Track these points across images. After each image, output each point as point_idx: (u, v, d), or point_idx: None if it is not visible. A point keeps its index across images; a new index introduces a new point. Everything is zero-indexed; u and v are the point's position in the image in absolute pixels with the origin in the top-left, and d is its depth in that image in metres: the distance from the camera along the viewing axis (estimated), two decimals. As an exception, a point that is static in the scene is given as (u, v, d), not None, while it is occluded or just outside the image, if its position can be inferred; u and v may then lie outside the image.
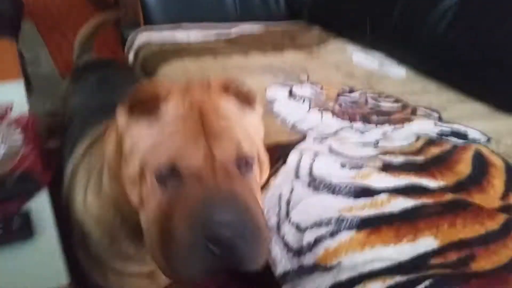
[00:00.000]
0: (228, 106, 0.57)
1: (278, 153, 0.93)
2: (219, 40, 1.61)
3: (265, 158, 0.59)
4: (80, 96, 0.97)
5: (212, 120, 0.53)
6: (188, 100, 0.55)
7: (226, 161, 0.52)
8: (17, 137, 0.80)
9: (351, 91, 1.27)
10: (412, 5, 1.51)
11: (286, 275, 0.78)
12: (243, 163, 0.54)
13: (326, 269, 0.72)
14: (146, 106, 0.54)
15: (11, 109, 0.94)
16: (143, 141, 0.54)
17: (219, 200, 0.49)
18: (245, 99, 0.59)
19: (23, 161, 0.77)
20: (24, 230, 0.62)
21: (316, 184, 0.84)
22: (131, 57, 1.56)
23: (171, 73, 1.33)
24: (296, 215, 0.80)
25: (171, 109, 0.54)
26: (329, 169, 0.87)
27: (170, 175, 0.51)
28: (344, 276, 0.69)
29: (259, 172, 0.57)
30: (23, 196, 0.69)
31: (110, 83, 0.95)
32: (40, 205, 0.69)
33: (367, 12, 1.62)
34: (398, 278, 0.66)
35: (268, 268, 0.79)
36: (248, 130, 0.56)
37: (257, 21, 1.79)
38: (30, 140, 0.81)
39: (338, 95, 1.24)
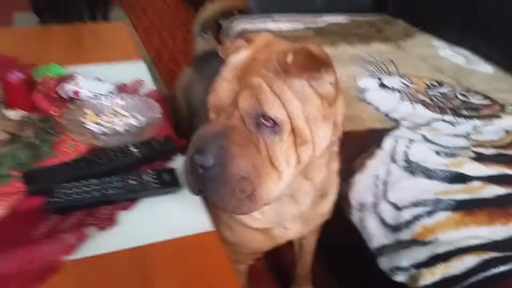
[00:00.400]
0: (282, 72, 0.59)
1: (372, 138, 1.01)
2: (308, 30, 1.70)
3: (305, 131, 0.59)
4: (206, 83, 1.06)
5: (254, 76, 0.58)
6: (254, 53, 0.63)
7: (246, 111, 0.58)
8: (155, 108, 0.93)
9: (440, 85, 1.32)
10: (503, 1, 1.51)
11: (381, 248, 0.87)
12: (264, 123, 0.57)
13: (424, 243, 0.80)
14: (227, 52, 0.67)
15: (142, 84, 1.09)
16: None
17: (210, 138, 0.57)
18: (313, 69, 0.58)
19: (161, 129, 0.91)
20: (172, 183, 0.74)
21: (412, 168, 0.92)
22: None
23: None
24: (394, 195, 0.88)
25: (237, 56, 0.64)
26: (425, 155, 0.94)
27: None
28: (441, 249, 0.76)
29: (293, 142, 0.59)
30: (166, 156, 0.83)
31: None
32: (179, 164, 0.82)
33: (455, 8, 1.64)
34: (494, 254, 0.72)
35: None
36: (288, 100, 0.57)
37: (342, 12, 1.85)
38: (163, 111, 0.95)
39: (427, 88, 1.29)
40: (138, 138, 0.85)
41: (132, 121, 0.93)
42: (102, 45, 1.35)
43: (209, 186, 0.59)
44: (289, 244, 0.90)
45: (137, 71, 1.19)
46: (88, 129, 0.86)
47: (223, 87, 0.62)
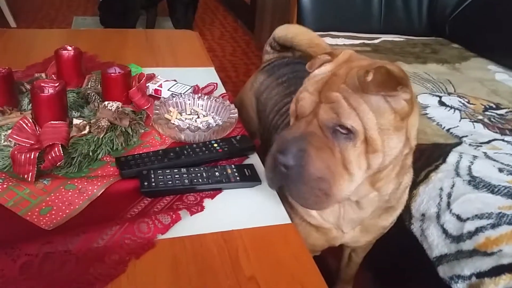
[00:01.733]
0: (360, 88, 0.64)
1: (437, 152, 1.05)
2: (365, 46, 1.75)
3: (377, 141, 0.64)
4: (276, 89, 1.13)
5: (333, 91, 0.65)
6: (335, 68, 0.69)
7: (324, 122, 0.65)
8: (231, 108, 1.00)
9: (497, 107, 1.33)
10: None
11: (442, 257, 0.89)
12: (340, 130, 0.64)
13: (487, 254, 0.82)
14: (312, 66, 0.73)
15: (215, 88, 1.17)
16: None
17: (291, 141, 0.65)
18: (390, 87, 0.62)
19: (237, 128, 0.98)
20: (253, 177, 0.80)
21: (476, 183, 0.94)
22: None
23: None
24: (457, 207, 0.91)
25: (320, 70, 0.71)
26: (488, 172, 0.97)
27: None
28: (506, 260, 0.79)
29: (365, 149, 0.64)
30: (244, 153, 0.89)
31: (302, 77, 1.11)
32: (256, 161, 0.88)
33: (511, 34, 1.65)
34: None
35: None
36: (363, 111, 0.63)
37: (399, 34, 1.89)
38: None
39: (485, 110, 1.31)
40: (218, 135, 0.92)
41: (211, 120, 1.00)
42: (175, 51, 1.44)
43: (290, 184, 0.67)
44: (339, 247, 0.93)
45: (208, 76, 1.27)
46: (173, 124, 0.93)
47: (306, 98, 0.69)
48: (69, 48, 0.96)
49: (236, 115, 0.98)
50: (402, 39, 1.85)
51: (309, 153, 0.64)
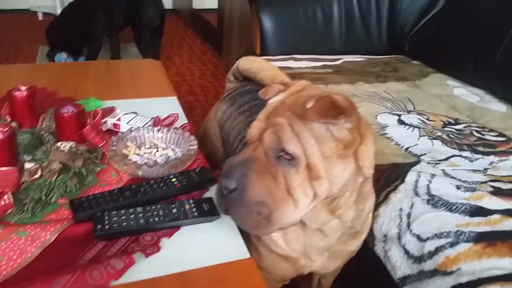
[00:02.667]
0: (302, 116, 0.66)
1: (396, 172, 1.07)
2: (326, 67, 1.78)
3: (319, 168, 0.65)
4: (238, 118, 1.14)
5: (278, 116, 0.68)
6: (286, 96, 0.72)
7: (267, 146, 0.67)
8: (191, 140, 1.00)
9: (455, 122, 1.37)
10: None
11: (405, 278, 0.90)
12: (284, 157, 0.65)
13: (446, 273, 0.83)
14: (266, 95, 0.76)
15: (176, 118, 1.16)
16: None
17: (235, 165, 0.67)
18: (331, 115, 0.64)
19: (197, 160, 0.97)
20: (212, 211, 0.80)
21: (434, 202, 0.96)
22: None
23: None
24: (417, 227, 0.92)
25: (274, 99, 0.74)
26: (446, 190, 0.99)
27: None
28: (464, 279, 0.80)
29: (308, 176, 0.65)
30: (203, 186, 0.88)
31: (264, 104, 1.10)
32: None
33: (469, 50, 1.72)
34: (517, 286, 0.76)
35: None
36: (305, 138, 0.65)
37: (360, 54, 1.94)
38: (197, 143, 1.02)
39: (444, 125, 1.35)
40: (177, 169, 0.92)
41: (170, 153, 0.99)
42: (137, 81, 1.44)
43: (232, 207, 0.68)
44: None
45: (170, 106, 1.27)
46: (130, 160, 0.92)
47: (255, 125, 0.72)
48: (22, 88, 0.95)
49: (196, 147, 0.98)
50: (363, 59, 1.89)
51: (250, 177, 0.66)
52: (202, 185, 0.88)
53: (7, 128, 0.76)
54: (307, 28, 1.93)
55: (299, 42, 1.92)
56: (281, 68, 1.75)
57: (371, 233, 1.00)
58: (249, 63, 1.20)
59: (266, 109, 0.73)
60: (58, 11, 4.07)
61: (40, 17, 4.22)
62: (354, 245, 0.86)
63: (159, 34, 2.90)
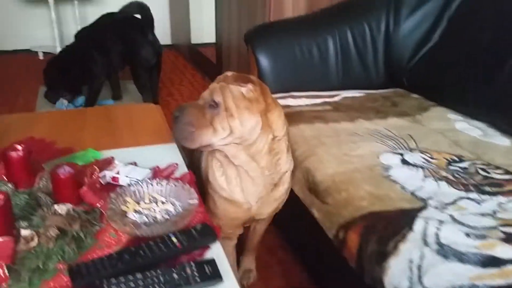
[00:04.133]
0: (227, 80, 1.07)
1: (403, 219, 1.03)
2: (325, 104, 1.77)
3: (232, 110, 1.02)
4: None
5: (215, 84, 1.07)
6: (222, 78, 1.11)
7: (204, 97, 1.07)
8: (191, 193, 0.98)
9: (460, 160, 1.35)
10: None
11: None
12: (212, 105, 1.03)
13: (463, 332, 0.79)
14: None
15: (176, 168, 1.14)
16: None
17: (183, 105, 1.08)
18: (242, 82, 1.05)
19: (198, 215, 0.94)
20: (214, 274, 0.77)
21: (444, 252, 0.93)
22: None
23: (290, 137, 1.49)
24: (429, 281, 0.89)
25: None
26: (455, 238, 0.96)
27: None
28: None
29: (225, 115, 1.02)
30: (205, 244, 0.85)
31: None
32: (218, 253, 0.84)
33: (468, 83, 1.71)
34: None
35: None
36: (225, 93, 1.03)
37: (358, 89, 1.94)
38: (197, 196, 0.99)
39: (448, 164, 1.32)
40: (177, 226, 0.89)
41: (170, 208, 0.97)
42: (135, 128, 1.43)
43: (174, 126, 1.07)
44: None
45: (170, 154, 1.25)
46: (129, 218, 0.90)
47: (205, 91, 1.10)
48: (18, 147, 0.93)
49: (196, 201, 0.95)
50: (361, 94, 1.88)
51: (186, 110, 1.06)
52: (203, 243, 0.86)
53: (1, 196, 0.74)
54: (304, 65, 1.93)
55: (296, 79, 1.92)
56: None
57: (381, 285, 0.96)
58: None
59: (213, 83, 1.11)
60: (58, 50, 4.14)
61: (41, 56, 4.27)
62: (278, 193, 1.19)
63: (156, 72, 2.92)
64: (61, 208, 0.81)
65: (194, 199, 0.95)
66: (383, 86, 2.00)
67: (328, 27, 1.98)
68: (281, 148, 1.12)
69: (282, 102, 1.77)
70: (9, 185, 0.91)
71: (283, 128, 1.11)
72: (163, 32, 2.80)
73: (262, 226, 1.43)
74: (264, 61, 1.84)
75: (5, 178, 0.95)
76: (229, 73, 1.12)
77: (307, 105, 1.78)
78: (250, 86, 1.04)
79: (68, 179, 0.85)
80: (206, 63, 3.76)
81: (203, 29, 3.95)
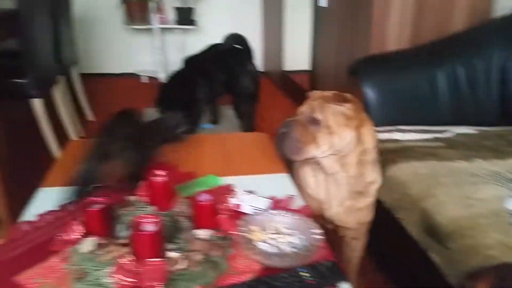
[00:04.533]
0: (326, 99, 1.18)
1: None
2: (437, 141, 1.71)
3: (333, 127, 1.14)
4: None
5: (315, 101, 1.19)
6: (320, 94, 1.22)
7: (305, 115, 1.18)
8: (314, 227, 0.99)
9: None
10: None
11: None
12: (313, 121, 1.16)
13: None
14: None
15: (293, 200, 1.17)
16: None
17: (288, 122, 1.19)
18: (341, 101, 1.16)
19: (322, 251, 0.96)
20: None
21: None
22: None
23: (401, 174, 1.46)
24: None
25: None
26: None
27: None
28: None
29: (326, 132, 1.15)
30: (333, 283, 0.86)
31: None
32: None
33: None
34: None
35: None
36: (326, 111, 1.15)
37: (469, 125, 1.85)
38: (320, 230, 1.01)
39: None
40: (306, 260, 0.91)
41: (295, 240, 0.99)
42: (248, 156, 1.49)
43: (282, 141, 1.19)
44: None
45: (283, 184, 1.29)
46: (259, 247, 0.94)
47: (303, 105, 1.22)
48: (160, 172, 1.02)
49: (321, 236, 0.97)
50: (474, 132, 1.79)
51: (293, 127, 1.17)
52: (332, 281, 0.86)
53: (157, 220, 0.81)
54: (412, 99, 1.89)
55: (403, 112, 1.89)
56: (388, 140, 1.74)
57: None
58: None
59: (309, 99, 1.23)
60: (159, 75, 4.47)
61: (144, 80, 4.63)
62: (362, 203, 1.29)
63: (254, 99, 3.03)
64: (204, 234, 0.87)
65: (318, 234, 0.97)
66: (497, 123, 1.89)
67: (438, 60, 1.93)
68: (368, 160, 1.23)
69: (388, 135, 1.75)
70: (153, 207, 1.00)
71: (372, 141, 1.22)
72: (256, 60, 2.92)
73: (356, 244, 1.45)
74: (371, 93, 1.83)
75: (147, 200, 1.04)
76: (326, 93, 1.23)
77: (416, 140, 1.74)
78: (348, 105, 1.16)
79: (209, 206, 0.91)
80: (297, 90, 3.82)
81: (296, 56, 4.04)
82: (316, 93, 1.24)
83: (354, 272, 1.50)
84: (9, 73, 2.19)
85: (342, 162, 1.19)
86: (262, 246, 0.96)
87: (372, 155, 1.23)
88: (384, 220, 1.51)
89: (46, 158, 2.44)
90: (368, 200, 1.29)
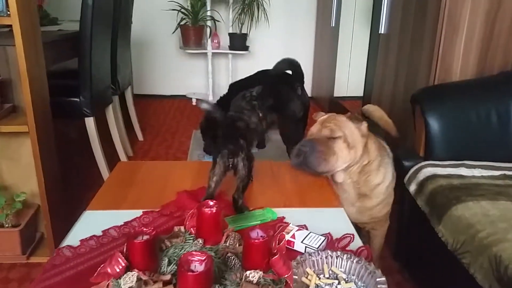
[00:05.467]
0: (342, 119, 1.40)
1: None
2: (507, 179, 1.55)
3: (352, 143, 1.35)
4: None
5: (330, 123, 1.37)
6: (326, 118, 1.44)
7: (324, 135, 1.34)
8: (377, 275, 0.88)
9: None
10: None
11: None
12: (332, 138, 1.33)
13: None
14: (317, 117, 1.53)
15: (352, 240, 1.07)
16: None
17: (307, 141, 1.35)
18: (358, 120, 1.40)
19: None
20: None
21: None
22: (413, 187, 1.63)
23: (468, 214, 1.32)
24: None
25: (320, 118, 1.47)
26: None
27: None
28: None
29: (346, 146, 1.34)
30: None
31: None
32: None
33: None
34: None
35: None
36: (345, 128, 1.35)
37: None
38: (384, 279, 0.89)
39: None
40: (368, 314, 0.80)
41: (354, 288, 0.88)
42: (300, 187, 1.40)
43: (306, 159, 1.31)
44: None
45: (337, 219, 1.19)
46: (314, 294, 0.84)
47: (315, 126, 1.43)
48: (211, 203, 0.95)
49: (385, 286, 0.85)
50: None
51: (316, 144, 1.31)
52: None
53: (205, 258, 0.74)
54: (480, 132, 1.73)
55: (470, 146, 1.73)
56: (453, 176, 1.60)
57: None
58: (372, 108, 1.92)
59: (318, 121, 1.43)
60: (210, 98, 4.49)
61: (194, 102, 4.68)
62: (369, 204, 1.47)
63: (302, 124, 2.95)
64: (253, 276, 0.78)
65: (383, 284, 0.86)
66: None
67: (509, 91, 1.77)
68: (371, 169, 1.42)
69: (454, 171, 1.61)
70: (200, 240, 0.93)
71: (375, 152, 1.42)
72: (305, 85, 2.85)
73: (375, 233, 1.62)
74: (435, 124, 1.70)
75: (193, 230, 0.98)
76: (339, 116, 1.42)
77: (483, 177, 1.58)
78: (364, 124, 1.38)
79: (261, 245, 0.82)
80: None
81: (349, 83, 3.94)
82: (324, 117, 1.44)
83: (376, 258, 1.67)
84: (66, 92, 2.25)
85: (347, 172, 1.39)
86: (318, 293, 0.86)
87: (375, 164, 1.42)
88: (444, 261, 1.40)
89: (96, 178, 2.47)
90: (375, 201, 1.47)
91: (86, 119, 2.30)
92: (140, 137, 3.51)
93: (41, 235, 1.90)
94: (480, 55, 2.02)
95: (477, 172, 1.61)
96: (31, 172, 1.74)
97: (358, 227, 1.54)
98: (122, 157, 2.81)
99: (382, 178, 1.46)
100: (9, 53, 1.72)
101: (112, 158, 2.63)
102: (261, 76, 3.00)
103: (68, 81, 2.34)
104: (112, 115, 2.73)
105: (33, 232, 1.88)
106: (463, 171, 1.61)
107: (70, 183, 2.22)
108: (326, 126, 1.35)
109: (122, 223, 1.11)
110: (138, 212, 1.17)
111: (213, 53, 4.47)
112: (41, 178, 1.69)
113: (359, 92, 3.41)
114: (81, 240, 1.02)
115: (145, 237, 0.82)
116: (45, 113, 1.76)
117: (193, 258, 0.73)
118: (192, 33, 4.32)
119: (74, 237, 1.05)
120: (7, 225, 1.73)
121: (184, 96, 4.82)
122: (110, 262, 0.80)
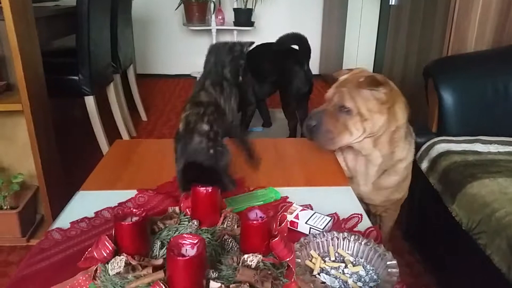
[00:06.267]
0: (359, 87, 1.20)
1: None
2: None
3: (366, 114, 1.18)
4: None
5: (343, 87, 1.22)
6: (349, 76, 1.27)
7: (334, 103, 1.22)
8: (388, 258, 0.81)
9: None
10: None
11: None
12: (344, 109, 1.19)
13: None
14: (339, 75, 1.34)
15: (360, 220, 0.99)
16: None
17: (315, 113, 1.24)
18: (374, 85, 1.17)
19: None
20: None
21: None
22: (425, 165, 1.55)
23: (485, 192, 1.24)
24: None
25: (342, 77, 1.29)
26: None
27: None
28: None
29: (360, 119, 1.19)
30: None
31: None
32: None
33: None
34: None
35: None
36: (357, 98, 1.18)
37: None
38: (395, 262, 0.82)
39: None
40: (376, 300, 0.73)
41: (362, 272, 0.81)
42: (304, 165, 1.33)
43: (314, 134, 1.24)
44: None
45: (345, 199, 1.12)
46: (319, 279, 0.77)
47: (330, 91, 1.26)
48: (206, 181, 0.88)
49: (397, 269, 0.78)
50: None
51: (323, 118, 1.21)
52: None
53: (197, 241, 0.67)
54: (497, 105, 1.64)
55: (486, 121, 1.63)
56: (468, 152, 1.51)
57: None
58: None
59: (337, 83, 1.27)
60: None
61: (199, 81, 4.59)
62: (388, 182, 1.32)
63: (305, 100, 2.86)
64: (252, 260, 0.72)
65: (393, 268, 0.79)
66: None
67: (529, 62, 1.66)
68: (400, 137, 1.25)
69: (468, 147, 1.52)
70: (195, 222, 0.86)
71: (404, 116, 1.23)
72: (311, 63, 2.74)
73: (386, 216, 1.49)
74: (449, 98, 1.60)
75: (188, 211, 0.91)
76: (356, 74, 1.24)
77: (500, 153, 1.49)
78: (382, 89, 1.16)
79: (260, 226, 0.76)
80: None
81: (358, 58, 3.82)
82: (344, 76, 1.25)
83: (385, 241, 1.57)
84: (65, 70, 2.18)
85: (375, 143, 1.23)
86: (323, 278, 0.79)
87: (403, 131, 1.25)
88: (457, 241, 1.34)
89: (99, 159, 2.42)
90: (394, 179, 1.32)
91: (86, 98, 2.24)
92: (143, 117, 3.44)
93: (41, 217, 1.87)
94: (497, 24, 1.90)
95: (493, 148, 1.53)
96: (28, 152, 1.69)
97: (368, 212, 1.43)
98: (125, 137, 2.76)
99: (406, 154, 1.29)
100: (1, 28, 1.65)
101: (115, 139, 2.57)
102: (264, 50, 2.88)
103: (67, 59, 2.27)
104: (113, 94, 2.67)
105: (32, 214, 1.84)
106: (478, 147, 1.53)
107: (72, 164, 2.16)
108: (340, 92, 1.20)
109: (116, 204, 1.05)
110: (133, 193, 1.11)
111: (217, 29, 4.35)
112: (37, 158, 1.64)
113: (369, 67, 3.30)
114: (72, 223, 0.96)
115: (134, 218, 0.76)
116: (40, 90, 1.69)
117: (184, 241, 0.67)
118: (196, 8, 4.20)
119: (65, 219, 0.99)
120: (5, 207, 1.69)
121: (189, 75, 4.73)
122: (97, 246, 0.74)
